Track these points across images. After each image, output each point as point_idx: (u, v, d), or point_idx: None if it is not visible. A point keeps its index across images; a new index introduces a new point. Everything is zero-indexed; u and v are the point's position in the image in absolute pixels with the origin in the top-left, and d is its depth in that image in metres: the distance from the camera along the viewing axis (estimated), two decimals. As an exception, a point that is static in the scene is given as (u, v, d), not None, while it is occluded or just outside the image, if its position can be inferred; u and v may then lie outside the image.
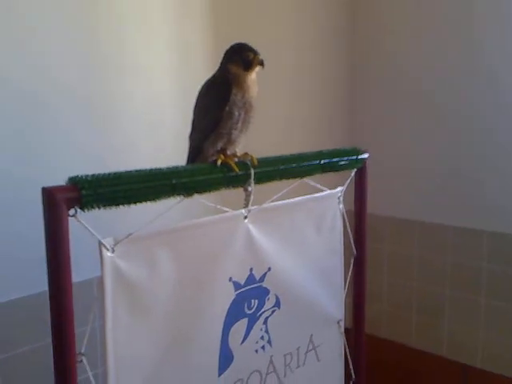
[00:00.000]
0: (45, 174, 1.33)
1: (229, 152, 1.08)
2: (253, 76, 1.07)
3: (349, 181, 1.37)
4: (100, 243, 0.85)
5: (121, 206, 0.87)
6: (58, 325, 0.80)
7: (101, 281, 0.86)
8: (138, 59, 1.62)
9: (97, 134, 1.52)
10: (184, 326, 0.99)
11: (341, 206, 1.37)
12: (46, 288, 0.79)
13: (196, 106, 1.11)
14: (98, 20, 1.52)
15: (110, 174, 0.87)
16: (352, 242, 1.39)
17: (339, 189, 1.36)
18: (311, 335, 1.32)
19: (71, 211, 0.81)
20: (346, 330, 1.42)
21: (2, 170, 1.32)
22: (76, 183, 0.81)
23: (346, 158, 1.33)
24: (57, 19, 1.43)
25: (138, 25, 1.61)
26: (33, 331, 1.35)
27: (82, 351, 0.84)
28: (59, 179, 0.82)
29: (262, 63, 1.06)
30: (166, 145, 1.67)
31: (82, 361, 0.84)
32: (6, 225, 1.33)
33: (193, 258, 1.00)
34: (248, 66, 1.05)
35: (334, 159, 1.29)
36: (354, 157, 1.35)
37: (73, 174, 0.82)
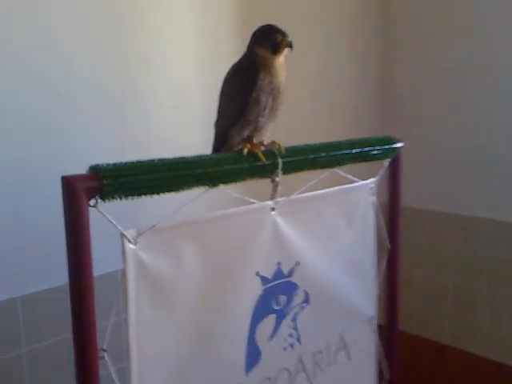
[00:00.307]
0: (65, 163, 1.32)
1: (255, 140, 1.03)
2: (281, 60, 1.01)
3: (382, 171, 1.30)
4: (122, 235, 0.82)
5: (143, 197, 0.84)
6: (79, 320, 0.77)
7: (123, 274, 0.83)
8: (163, 45, 1.59)
9: (119, 122, 1.50)
10: (209, 321, 0.96)
11: (373, 197, 1.31)
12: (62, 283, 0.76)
13: (222, 91, 1.06)
14: (122, 6, 1.49)
15: (131, 162, 0.84)
16: (385, 235, 1.33)
17: (372, 180, 1.30)
18: (342, 333, 1.26)
19: (92, 201, 0.77)
20: (378, 327, 1.36)
21: (23, 159, 1.31)
22: (97, 172, 0.78)
23: (378, 148, 1.26)
24: (78, 8, 1.40)
25: (162, 9, 1.57)
26: (56, 324, 1.34)
27: (104, 347, 0.81)
28: (80, 169, 0.79)
29: (290, 45, 1.00)
30: (191, 133, 1.63)
31: (103, 357, 0.81)
32: (27, 215, 1.32)
33: (218, 250, 0.96)
34: (276, 48, 0.99)
35: (366, 148, 1.23)
36: (388, 146, 1.29)
37: (94, 163, 0.79)
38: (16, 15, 1.29)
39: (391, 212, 1.34)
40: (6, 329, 1.31)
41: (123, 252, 0.82)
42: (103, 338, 0.81)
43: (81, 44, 1.41)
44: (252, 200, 1.01)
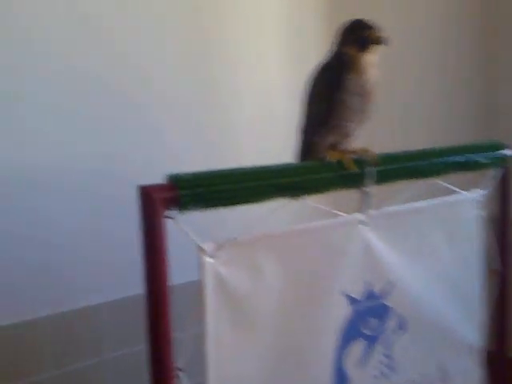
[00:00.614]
0: (143, 172, 1.32)
1: (343, 147, 0.95)
2: (371, 57, 0.92)
3: (491, 182, 1.15)
4: (200, 248, 0.78)
5: (221, 208, 0.79)
6: (154, 336, 0.74)
7: (200, 289, 0.78)
8: (245, 48, 1.56)
9: (200, 129, 1.48)
10: (291, 341, 0.90)
11: (480, 211, 1.16)
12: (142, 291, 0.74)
13: (306, 94, 0.99)
14: (206, 10, 1.48)
15: (210, 172, 0.80)
16: (494, 254, 1.18)
17: (478, 191, 1.15)
18: (443, 362, 1.14)
19: (168, 212, 0.74)
20: (488, 355, 1.20)
21: (102, 169, 1.34)
22: (174, 182, 0.75)
23: (486, 155, 1.12)
24: (163, 16, 1.42)
25: (245, 11, 1.54)
26: (128, 334, 1.34)
27: (181, 365, 0.77)
28: (158, 178, 0.76)
29: (381, 41, 0.90)
30: (275, 140, 1.58)
31: (179, 376, 0.77)
32: (101, 224, 1.35)
33: (301, 267, 0.89)
34: (364, 45, 0.90)
35: (472, 156, 1.10)
36: (497, 153, 1.14)
37: (171, 172, 0.76)
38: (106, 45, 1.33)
39: (501, 228, 1.19)
40: (87, 334, 1.33)
41: (200, 266, 0.78)
42: (179, 350, 0.77)
43: (163, 51, 1.42)
44: (338, 213, 0.93)
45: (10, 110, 1.23)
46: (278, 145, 1.52)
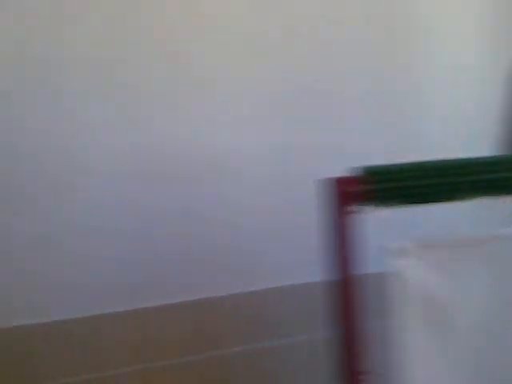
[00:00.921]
0: (328, 163, 1.31)
1: None
2: None
3: None
4: (393, 246, 0.74)
5: (416, 205, 0.73)
6: (341, 327, 0.72)
7: (389, 289, 0.74)
8: (439, 23, 1.45)
9: (390, 117, 1.41)
10: (492, 362, 0.80)
11: None
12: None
13: None
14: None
15: (407, 164, 0.73)
16: None
17: None
18: None
19: (358, 206, 0.71)
20: None
21: (283, 160, 1.34)
22: (367, 175, 0.71)
23: None
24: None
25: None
26: (314, 319, 1.31)
27: (368, 369, 0.73)
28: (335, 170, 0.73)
29: None
30: (477, 130, 1.43)
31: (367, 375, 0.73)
32: (286, 210, 1.34)
33: (507, 277, 0.79)
34: None
35: None
36: None
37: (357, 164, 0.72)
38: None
39: None
40: (267, 316, 1.34)
41: (392, 265, 0.74)
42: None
43: (354, 39, 1.39)
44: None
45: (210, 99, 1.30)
46: (478, 135, 1.38)
